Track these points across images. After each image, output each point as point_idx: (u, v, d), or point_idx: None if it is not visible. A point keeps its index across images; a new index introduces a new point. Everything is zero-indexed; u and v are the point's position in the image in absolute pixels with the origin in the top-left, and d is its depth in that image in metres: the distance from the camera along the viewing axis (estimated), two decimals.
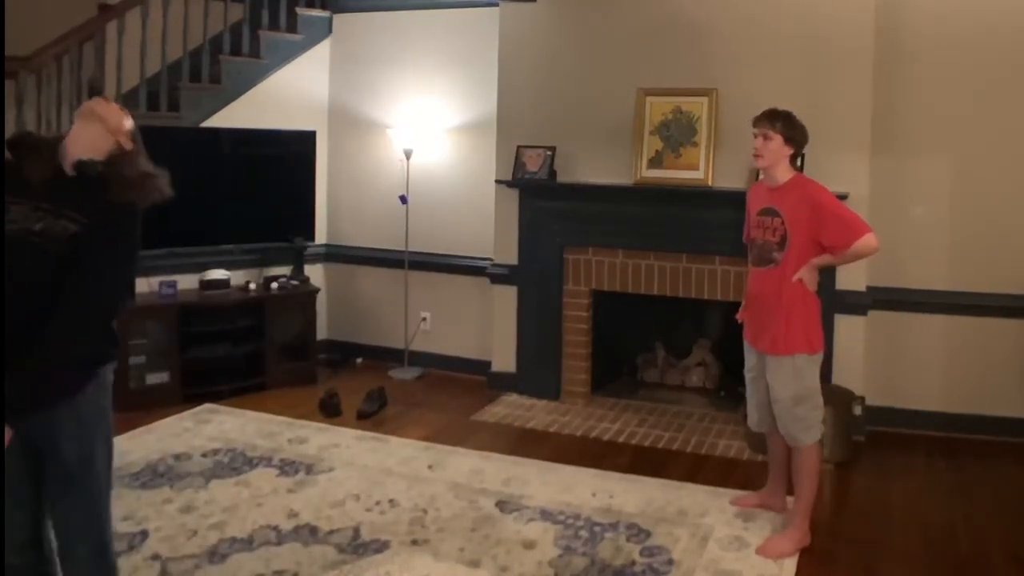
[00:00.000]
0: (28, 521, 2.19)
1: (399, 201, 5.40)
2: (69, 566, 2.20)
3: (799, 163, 3.39)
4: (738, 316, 3.43)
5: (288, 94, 5.60)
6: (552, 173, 4.88)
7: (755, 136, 3.16)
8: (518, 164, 4.96)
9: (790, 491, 3.34)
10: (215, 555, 3.06)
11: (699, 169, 4.59)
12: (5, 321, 2.02)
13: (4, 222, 2.07)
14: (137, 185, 2.21)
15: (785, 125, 3.11)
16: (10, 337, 2.01)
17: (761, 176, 3.24)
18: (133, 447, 4.07)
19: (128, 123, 2.26)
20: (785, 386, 3.12)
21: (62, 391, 2.12)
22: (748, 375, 3.37)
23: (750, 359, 3.34)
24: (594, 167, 4.84)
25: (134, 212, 2.20)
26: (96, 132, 2.19)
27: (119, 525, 3.25)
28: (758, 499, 3.52)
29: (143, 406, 4.58)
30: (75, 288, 2.08)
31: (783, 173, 3.15)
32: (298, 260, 5.43)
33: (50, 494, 2.16)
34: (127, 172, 2.21)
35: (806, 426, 3.13)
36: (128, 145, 2.25)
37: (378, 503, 3.53)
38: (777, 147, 3.11)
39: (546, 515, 3.44)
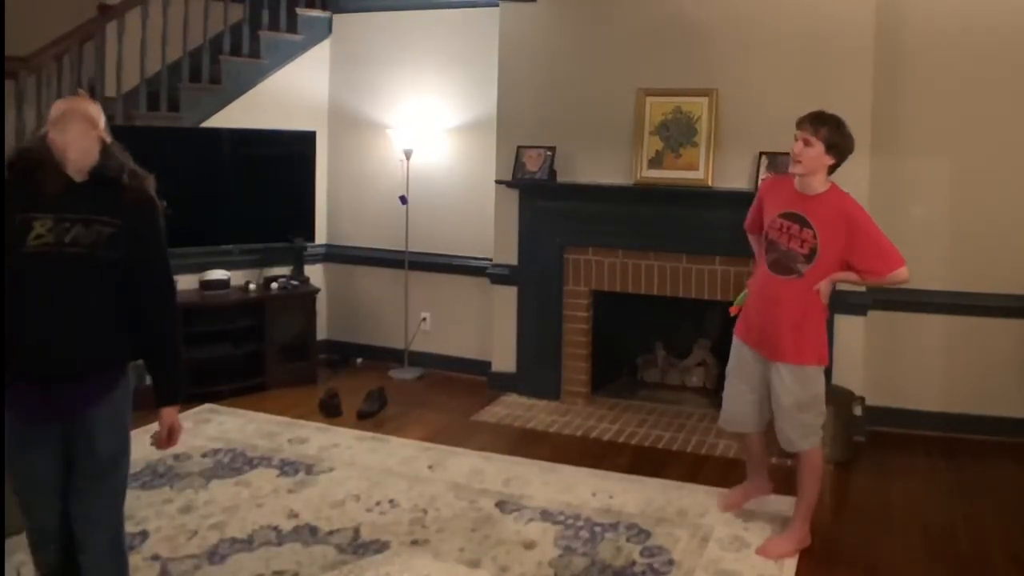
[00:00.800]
0: (59, 516, 2.22)
1: (399, 201, 5.40)
2: (87, 557, 2.22)
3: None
4: (732, 310, 3.33)
5: (288, 94, 5.60)
6: (552, 173, 4.88)
7: (795, 139, 3.01)
8: (518, 164, 4.96)
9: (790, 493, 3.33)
10: (215, 555, 3.06)
11: (699, 169, 4.59)
12: (54, 329, 2.11)
13: (4, 234, 2.08)
14: (146, 178, 2.26)
15: (831, 131, 2.95)
16: (63, 341, 2.12)
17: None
18: (133, 447, 4.05)
19: (103, 116, 2.27)
20: (791, 393, 3.08)
21: (103, 388, 2.20)
22: (739, 374, 3.26)
23: (749, 361, 3.23)
24: (594, 167, 4.84)
25: (156, 204, 2.27)
26: (86, 132, 2.18)
27: None
28: (744, 493, 3.47)
29: (143, 406, 4.53)
30: (156, 286, 2.28)
31: (820, 183, 3.02)
32: (298, 260, 5.43)
33: (76, 488, 2.20)
34: (129, 166, 2.25)
35: (806, 432, 3.11)
36: (108, 138, 2.26)
37: (378, 503, 3.53)
38: (818, 154, 2.96)
39: (546, 515, 3.44)
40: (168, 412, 2.34)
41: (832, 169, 3.04)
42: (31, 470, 2.17)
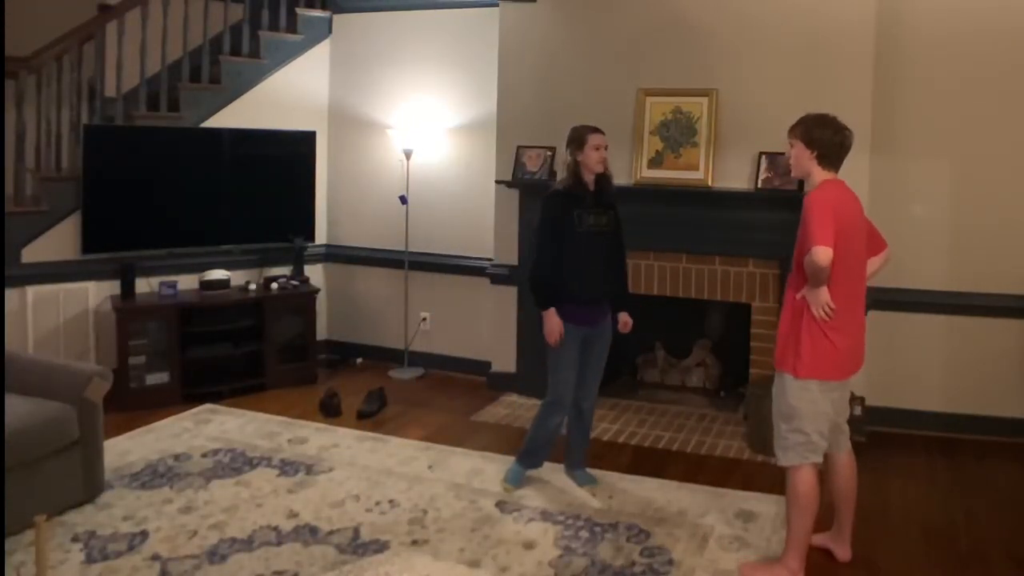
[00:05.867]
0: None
1: (399, 201, 5.40)
2: (587, 404, 3.79)
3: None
4: None
5: (288, 94, 5.61)
6: (552, 173, 4.88)
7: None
8: (518, 164, 4.96)
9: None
10: (215, 555, 3.06)
11: (699, 169, 4.59)
12: (595, 273, 3.62)
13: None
14: None
15: (803, 127, 2.94)
16: (599, 280, 3.63)
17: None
18: (133, 447, 4.07)
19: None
20: (775, 399, 3.02)
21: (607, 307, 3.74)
22: None
23: None
24: None
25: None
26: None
27: (119, 525, 3.26)
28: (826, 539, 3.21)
29: (143, 406, 4.59)
30: (622, 252, 3.77)
31: (818, 177, 2.94)
32: (298, 260, 5.43)
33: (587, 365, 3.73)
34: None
35: (784, 446, 2.97)
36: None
37: (378, 503, 3.53)
38: (798, 152, 2.94)
39: (546, 515, 3.44)
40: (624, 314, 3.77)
41: (824, 162, 2.93)
42: (574, 353, 3.63)
